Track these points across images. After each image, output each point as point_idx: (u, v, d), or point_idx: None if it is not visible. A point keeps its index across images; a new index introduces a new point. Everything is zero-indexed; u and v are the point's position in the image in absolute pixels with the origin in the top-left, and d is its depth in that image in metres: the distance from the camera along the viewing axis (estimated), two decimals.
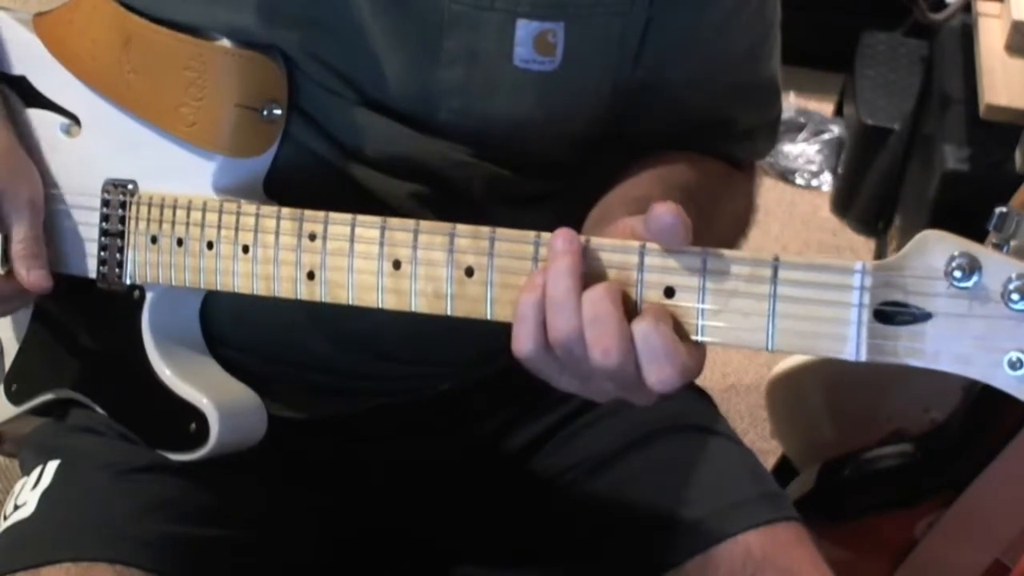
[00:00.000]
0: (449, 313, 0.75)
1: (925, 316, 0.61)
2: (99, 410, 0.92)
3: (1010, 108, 1.63)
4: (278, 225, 0.81)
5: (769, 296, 0.65)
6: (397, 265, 0.76)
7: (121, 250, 0.90)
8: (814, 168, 2.57)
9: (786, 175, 2.56)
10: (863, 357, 0.63)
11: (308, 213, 0.80)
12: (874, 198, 2.36)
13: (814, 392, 1.52)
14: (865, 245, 2.39)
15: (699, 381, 1.02)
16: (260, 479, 0.93)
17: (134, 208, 0.89)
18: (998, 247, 0.61)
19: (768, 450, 1.71)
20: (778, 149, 2.57)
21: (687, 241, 0.67)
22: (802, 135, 2.61)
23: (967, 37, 1.99)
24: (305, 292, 0.80)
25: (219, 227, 0.84)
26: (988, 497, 1.31)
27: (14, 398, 0.98)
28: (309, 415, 0.96)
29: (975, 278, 0.59)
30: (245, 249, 0.83)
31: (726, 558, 0.87)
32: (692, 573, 0.87)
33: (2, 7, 0.96)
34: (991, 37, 1.76)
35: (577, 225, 0.80)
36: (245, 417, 0.89)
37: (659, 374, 0.66)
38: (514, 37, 0.83)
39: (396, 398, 0.97)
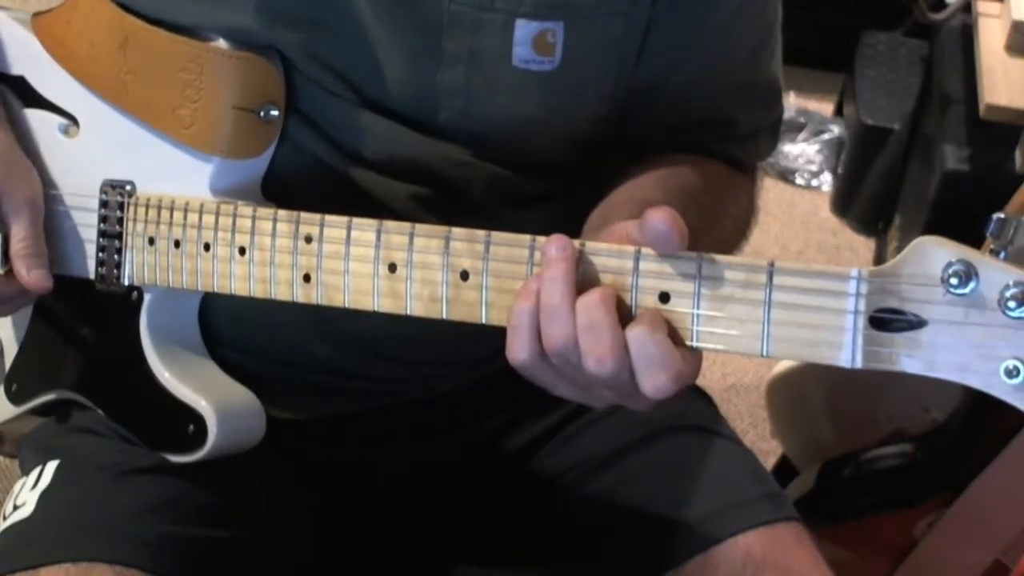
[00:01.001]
0: (444, 317, 0.75)
1: (921, 323, 0.61)
2: (98, 411, 0.92)
3: (1010, 108, 1.63)
4: (274, 227, 0.81)
5: (764, 302, 0.65)
6: (393, 268, 0.76)
7: (119, 251, 0.90)
8: (814, 168, 2.57)
9: (786, 175, 2.56)
10: (859, 364, 0.62)
11: (304, 215, 0.80)
12: (874, 198, 2.36)
13: (814, 392, 1.52)
14: (865, 245, 2.39)
15: (699, 381, 1.02)
16: (260, 479, 0.93)
17: (132, 209, 0.89)
18: (995, 253, 0.60)
19: (768, 450, 1.71)
20: (778, 149, 2.56)
21: (681, 247, 0.67)
22: (802, 135, 2.61)
23: (967, 37, 1.99)
24: (302, 295, 0.80)
25: (216, 229, 0.84)
26: (988, 497, 1.31)
27: (14, 398, 0.98)
28: (309, 416, 0.96)
29: (972, 285, 0.59)
30: (242, 251, 0.83)
31: (726, 558, 0.87)
32: (692, 573, 0.87)
33: (1, 6, 0.96)
34: (991, 37, 1.76)
35: (578, 226, 0.80)
36: (243, 419, 0.89)
37: (654, 381, 0.66)
38: (513, 37, 0.83)
39: (396, 399, 0.97)
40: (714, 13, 0.88)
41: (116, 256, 0.90)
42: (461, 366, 0.97)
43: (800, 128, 2.62)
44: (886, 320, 0.62)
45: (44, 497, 0.88)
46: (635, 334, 0.66)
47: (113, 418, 0.92)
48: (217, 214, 0.84)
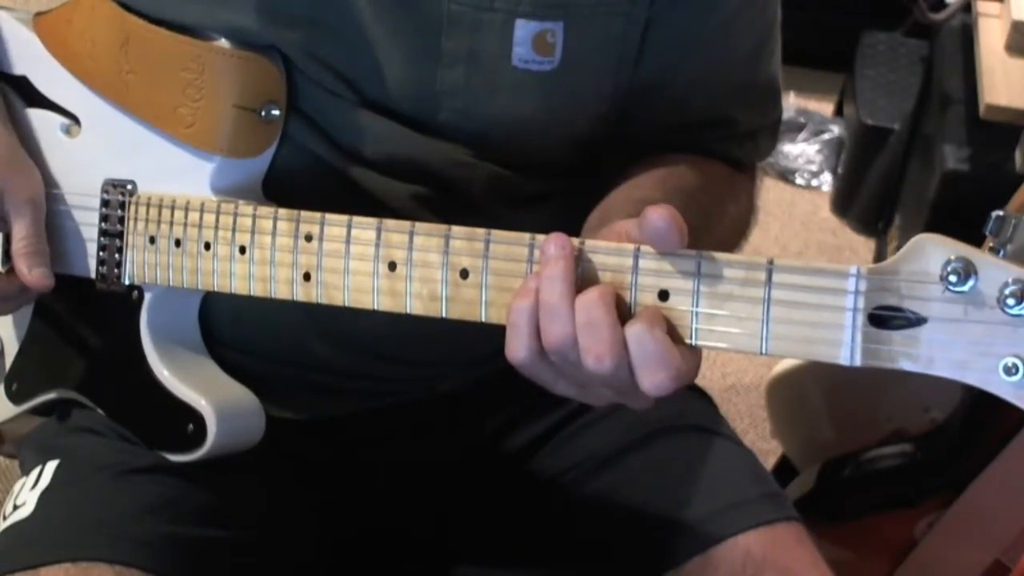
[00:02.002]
0: (444, 315, 0.75)
1: (920, 321, 0.61)
2: (98, 410, 0.92)
3: (1010, 108, 1.63)
4: (275, 226, 0.81)
5: (763, 300, 0.65)
6: (393, 267, 0.76)
7: (120, 250, 0.90)
8: (814, 168, 2.57)
9: (786, 175, 2.56)
10: (857, 362, 0.62)
11: (305, 214, 0.80)
12: (874, 198, 2.36)
13: (814, 392, 1.52)
14: (865, 245, 2.39)
15: (699, 381, 1.02)
16: (260, 479, 0.93)
17: (133, 208, 0.89)
18: (995, 251, 0.60)
19: (768, 450, 1.71)
20: (778, 149, 2.57)
21: (681, 245, 0.67)
22: (802, 135, 2.61)
23: (967, 37, 1.99)
24: (302, 293, 0.80)
25: (216, 228, 0.84)
26: (988, 497, 1.31)
27: (14, 397, 0.98)
28: (309, 416, 0.96)
29: (971, 283, 0.59)
30: (242, 250, 0.83)
31: (726, 558, 0.87)
32: (692, 573, 0.87)
33: (3, 6, 0.96)
34: (991, 37, 1.76)
35: (578, 226, 0.80)
36: (243, 419, 0.89)
37: (653, 379, 0.66)
38: (513, 37, 0.83)
39: (396, 399, 0.97)
40: (714, 13, 0.87)
41: (117, 255, 0.90)
42: (461, 366, 0.97)
43: (800, 128, 2.62)
44: (885, 318, 0.62)
45: (44, 497, 0.88)
46: (634, 332, 0.66)
47: (113, 417, 0.92)
48: (218, 213, 0.84)
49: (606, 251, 0.69)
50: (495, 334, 0.73)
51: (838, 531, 1.40)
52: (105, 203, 0.90)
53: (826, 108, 2.71)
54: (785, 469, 1.57)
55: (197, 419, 0.86)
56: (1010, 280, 0.58)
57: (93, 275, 0.91)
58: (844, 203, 2.46)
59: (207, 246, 0.84)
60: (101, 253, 0.91)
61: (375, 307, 0.77)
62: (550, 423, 0.98)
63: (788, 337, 0.64)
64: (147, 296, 0.89)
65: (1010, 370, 0.59)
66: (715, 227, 0.87)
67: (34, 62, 0.94)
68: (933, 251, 0.60)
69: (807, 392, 1.52)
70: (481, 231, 0.73)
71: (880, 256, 2.30)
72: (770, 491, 0.93)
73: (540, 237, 0.71)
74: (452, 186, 0.88)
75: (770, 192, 2.50)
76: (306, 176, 0.87)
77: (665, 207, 0.66)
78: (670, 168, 0.88)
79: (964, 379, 0.60)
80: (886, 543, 1.40)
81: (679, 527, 0.89)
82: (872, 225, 2.38)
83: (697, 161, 0.91)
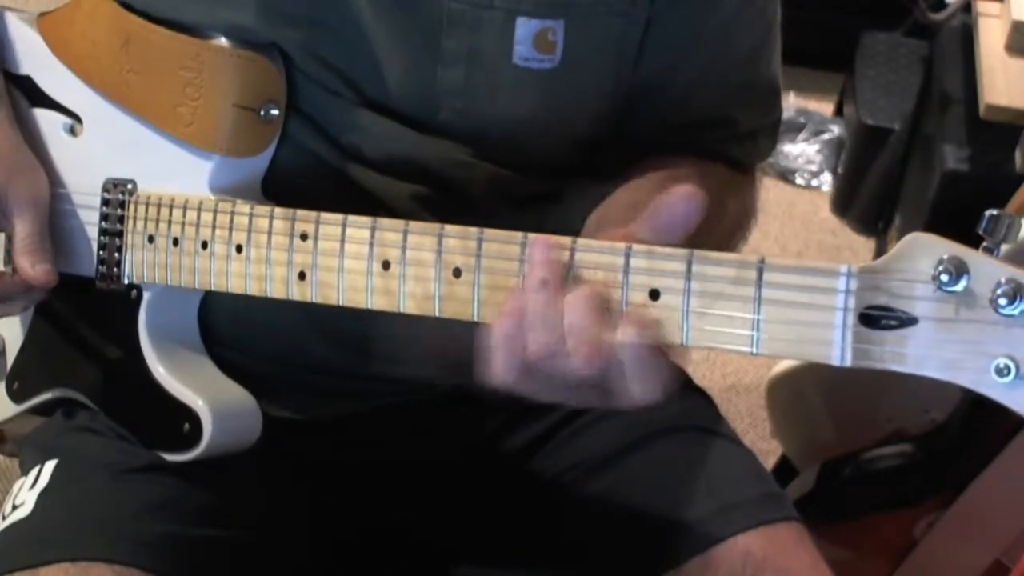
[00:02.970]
0: (437, 314, 0.74)
1: (911, 321, 0.60)
2: (97, 409, 0.92)
3: (1010, 108, 1.63)
4: (271, 225, 0.81)
5: (754, 299, 0.64)
6: (387, 266, 0.76)
7: (120, 249, 0.90)
8: (814, 168, 2.57)
9: (786, 175, 2.56)
10: (848, 362, 0.62)
11: (300, 213, 0.80)
12: (874, 198, 2.36)
13: (814, 392, 1.52)
14: (865, 245, 2.39)
15: (699, 381, 1.03)
16: (260, 479, 0.93)
17: (132, 207, 0.89)
18: (989, 251, 0.59)
19: (768, 450, 1.71)
20: (778, 149, 2.57)
21: (691, 227, 0.66)
22: (802, 135, 2.61)
23: (967, 37, 1.99)
24: (297, 292, 0.80)
25: (214, 227, 0.84)
26: (988, 497, 1.31)
27: (15, 396, 0.98)
28: (308, 416, 0.96)
29: (963, 282, 0.58)
30: (239, 249, 0.83)
31: (726, 558, 0.87)
32: (692, 573, 0.87)
33: (8, 7, 0.97)
34: (991, 37, 1.76)
35: (578, 226, 0.80)
36: (239, 419, 0.89)
37: (643, 384, 0.66)
38: (514, 35, 0.83)
39: (396, 399, 0.97)
40: (713, 12, 0.87)
41: (117, 254, 0.90)
42: (461, 366, 0.96)
43: (800, 128, 2.62)
44: (876, 317, 0.61)
45: (43, 497, 0.88)
46: (624, 336, 0.66)
47: (111, 416, 0.92)
48: (215, 212, 0.84)
49: (598, 249, 0.69)
50: None
51: (838, 531, 1.40)
52: (106, 202, 0.90)
53: (826, 108, 2.72)
54: (785, 469, 1.57)
55: (193, 419, 0.86)
56: (1003, 280, 0.57)
57: (93, 274, 0.91)
58: (844, 203, 2.46)
59: (204, 245, 0.84)
60: (101, 252, 0.91)
61: (369, 306, 0.77)
62: (550, 423, 0.98)
63: (779, 337, 0.64)
64: (146, 295, 0.89)
65: (1002, 371, 0.58)
66: (715, 228, 0.87)
67: (38, 62, 0.94)
68: (925, 250, 0.60)
69: (807, 392, 1.52)
70: (474, 230, 0.73)
71: (880, 256, 2.30)
72: (770, 491, 0.93)
73: (532, 236, 0.71)
74: (452, 186, 0.88)
75: (770, 192, 2.50)
76: (306, 175, 0.87)
77: (688, 187, 0.66)
78: (670, 171, 0.88)
79: (956, 380, 0.59)
80: (886, 543, 1.40)
81: (679, 527, 0.89)
82: (872, 225, 2.38)
83: (697, 163, 0.91)
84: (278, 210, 0.81)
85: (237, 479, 0.90)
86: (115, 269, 0.90)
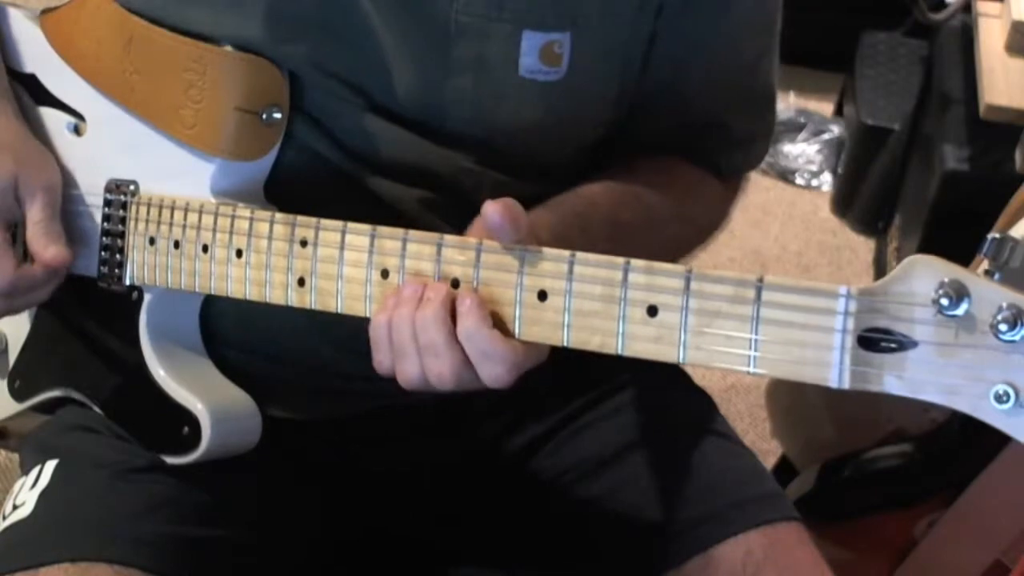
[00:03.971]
0: None
1: (910, 344, 0.59)
2: (97, 409, 0.92)
3: (1010, 108, 1.63)
4: (271, 230, 0.81)
5: (752, 318, 0.64)
6: (385, 274, 0.76)
7: (121, 250, 0.90)
8: (814, 168, 2.57)
9: (786, 175, 2.56)
10: (846, 384, 0.61)
11: (301, 219, 0.80)
12: (874, 198, 2.36)
13: (814, 392, 1.52)
14: (865, 245, 2.39)
15: (699, 381, 1.03)
16: (260, 479, 0.93)
17: (134, 209, 0.89)
18: (990, 274, 0.58)
19: (768, 450, 1.71)
20: (778, 149, 2.57)
21: (515, 239, 0.70)
22: (802, 135, 2.61)
23: (967, 37, 1.99)
24: (296, 299, 0.80)
25: (214, 230, 0.84)
26: (988, 497, 1.31)
27: (17, 394, 0.98)
28: (309, 416, 0.96)
29: (963, 306, 0.57)
30: (239, 253, 0.83)
31: (726, 558, 0.87)
32: (692, 573, 0.87)
33: (14, 4, 0.96)
34: (991, 37, 1.76)
35: None
36: (239, 422, 0.89)
37: (491, 372, 0.71)
38: (520, 47, 0.83)
39: (396, 400, 0.96)
40: (718, 23, 0.88)
41: (118, 255, 0.90)
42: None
43: (800, 128, 2.62)
44: (874, 340, 0.60)
45: (43, 497, 0.88)
46: (465, 329, 0.70)
47: (110, 417, 0.92)
48: (216, 215, 0.84)
49: (596, 263, 0.69)
50: None
51: (838, 531, 1.40)
52: (108, 203, 0.90)
53: (826, 108, 2.71)
54: (785, 469, 1.57)
55: (192, 422, 0.86)
56: (1004, 305, 0.56)
57: (95, 274, 0.91)
58: (844, 203, 2.46)
59: (205, 248, 0.84)
60: (103, 252, 0.91)
61: (367, 314, 0.77)
62: (550, 424, 0.98)
63: (777, 357, 0.63)
64: (147, 297, 0.89)
65: (1001, 398, 0.57)
66: (664, 230, 0.90)
67: (42, 60, 0.94)
68: (925, 272, 0.59)
69: (807, 392, 1.52)
70: (473, 240, 0.73)
71: (880, 256, 2.30)
72: (770, 491, 0.93)
73: (533, 248, 0.71)
74: (458, 191, 0.88)
75: (770, 192, 2.50)
76: (311, 178, 0.87)
77: (502, 202, 0.70)
78: (629, 171, 0.90)
79: (953, 405, 0.59)
80: (886, 543, 1.40)
81: (679, 527, 0.89)
82: (872, 225, 2.38)
83: (664, 162, 0.92)
84: (278, 215, 0.81)
85: (237, 479, 0.90)
86: (116, 270, 0.90)
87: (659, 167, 0.93)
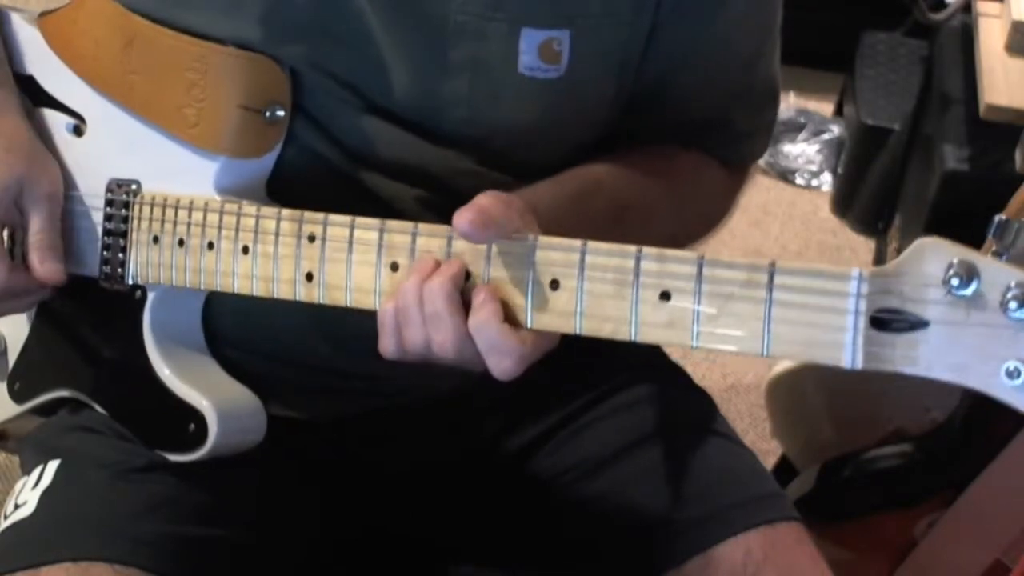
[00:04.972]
0: None
1: (922, 324, 0.60)
2: (99, 409, 0.92)
3: (1010, 108, 1.63)
4: (278, 226, 0.81)
5: (765, 301, 0.65)
6: (395, 268, 0.76)
7: (124, 250, 0.90)
8: (814, 168, 2.57)
9: (786, 175, 2.56)
10: (859, 365, 0.62)
11: (308, 214, 0.80)
12: (874, 198, 2.36)
13: (814, 392, 1.52)
14: (865, 245, 2.39)
15: (699, 381, 1.03)
16: (261, 479, 0.93)
17: (137, 208, 0.89)
18: (998, 255, 0.60)
19: (768, 450, 1.71)
20: (778, 149, 2.57)
21: (485, 240, 0.72)
22: (802, 135, 2.61)
23: (967, 37, 1.99)
24: (304, 294, 0.80)
25: (220, 228, 0.84)
26: (988, 497, 1.31)
27: (17, 396, 0.98)
28: (310, 415, 0.96)
29: (973, 286, 0.59)
30: (245, 250, 0.83)
31: (726, 558, 0.87)
32: (692, 573, 0.87)
33: (11, 7, 0.97)
34: (991, 37, 1.76)
35: None
36: (244, 419, 0.89)
37: (500, 365, 0.71)
38: (519, 45, 0.83)
39: (397, 400, 0.97)
40: (716, 21, 0.88)
41: (121, 255, 0.90)
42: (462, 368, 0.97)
43: (800, 128, 2.62)
44: (886, 320, 0.61)
45: (45, 496, 0.88)
46: (476, 323, 0.71)
47: (114, 417, 0.92)
48: (221, 213, 0.84)
49: (608, 252, 0.69)
50: None
51: (838, 531, 1.40)
52: (110, 203, 0.91)
53: (826, 108, 2.71)
54: (785, 469, 1.57)
55: (198, 419, 0.86)
56: (1013, 284, 0.58)
57: (97, 274, 0.92)
58: (844, 203, 2.46)
59: (210, 246, 0.84)
60: (105, 252, 0.91)
61: (376, 308, 0.77)
62: (550, 424, 0.98)
63: (790, 339, 0.64)
64: (150, 296, 0.89)
65: (1012, 374, 0.58)
66: (670, 218, 0.90)
67: (40, 62, 0.94)
68: (935, 254, 0.60)
69: (807, 392, 1.52)
70: None
71: (880, 256, 2.30)
72: (770, 491, 0.93)
73: (543, 238, 0.71)
74: (457, 190, 0.88)
75: (770, 192, 2.51)
76: (311, 177, 0.87)
77: (471, 208, 0.71)
78: (629, 156, 0.91)
79: (965, 383, 0.60)
80: (886, 543, 1.40)
81: (679, 526, 0.89)
82: (872, 225, 2.38)
83: (667, 151, 0.93)
84: (285, 211, 0.81)
85: (238, 479, 0.90)
86: (119, 269, 0.90)
87: (661, 152, 0.93)
